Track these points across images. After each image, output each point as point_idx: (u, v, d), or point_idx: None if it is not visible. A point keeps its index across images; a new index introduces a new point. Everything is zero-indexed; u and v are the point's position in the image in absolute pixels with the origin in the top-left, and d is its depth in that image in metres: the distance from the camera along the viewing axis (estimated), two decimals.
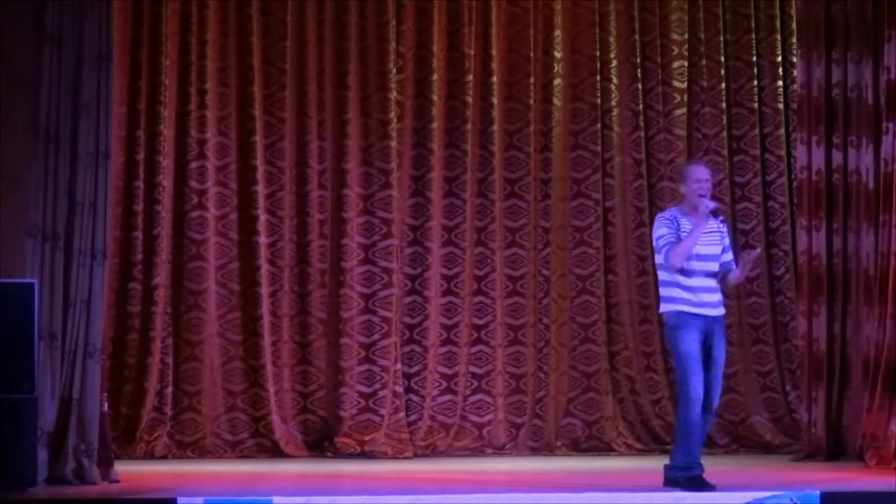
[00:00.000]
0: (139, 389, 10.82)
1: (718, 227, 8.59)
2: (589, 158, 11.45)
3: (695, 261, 8.46)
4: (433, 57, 11.27)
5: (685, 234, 8.44)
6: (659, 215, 8.73)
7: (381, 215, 11.20)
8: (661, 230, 8.52)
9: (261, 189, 11.08)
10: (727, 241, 8.67)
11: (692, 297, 8.46)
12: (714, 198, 8.61)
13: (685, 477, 8.40)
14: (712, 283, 8.54)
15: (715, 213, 8.53)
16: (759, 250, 8.88)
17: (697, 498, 8.15)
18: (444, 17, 11.33)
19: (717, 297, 8.56)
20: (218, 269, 11.05)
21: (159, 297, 10.87)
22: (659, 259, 8.56)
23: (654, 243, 8.58)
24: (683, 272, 8.46)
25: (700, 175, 8.55)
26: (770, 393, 11.36)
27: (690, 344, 8.42)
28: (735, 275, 8.64)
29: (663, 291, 8.58)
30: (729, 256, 8.66)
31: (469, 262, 11.33)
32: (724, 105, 11.52)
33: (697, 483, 8.36)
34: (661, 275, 8.58)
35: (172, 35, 10.96)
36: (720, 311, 8.58)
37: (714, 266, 8.54)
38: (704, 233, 8.48)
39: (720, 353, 8.56)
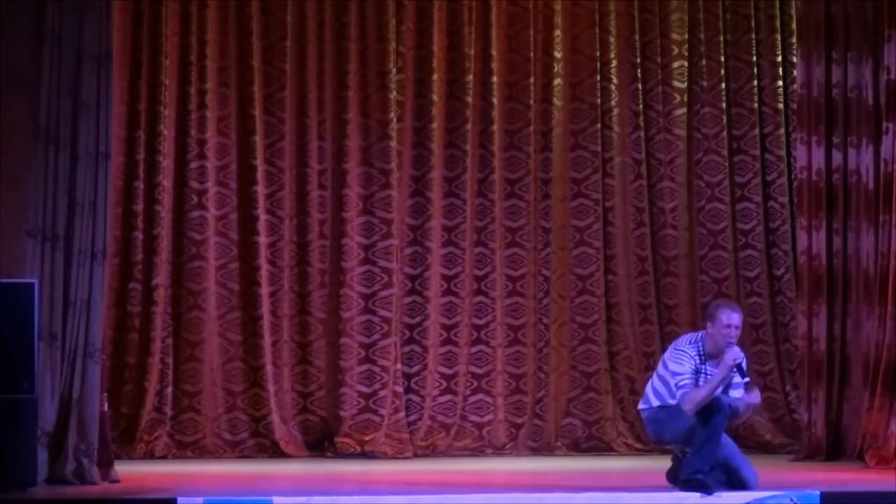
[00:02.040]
0: (139, 389, 10.82)
1: (731, 375, 8.40)
2: (589, 158, 11.45)
3: None
4: (433, 57, 11.27)
5: (703, 379, 8.28)
6: (679, 347, 8.46)
7: (381, 215, 11.20)
8: (683, 366, 8.32)
9: (261, 189, 11.08)
10: (736, 379, 8.45)
11: None
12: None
13: (687, 478, 8.34)
14: None
15: (740, 370, 8.34)
16: (758, 400, 8.61)
17: (698, 498, 8.14)
18: (444, 17, 11.32)
19: None
20: (218, 269, 11.05)
21: (159, 297, 10.87)
22: (668, 398, 8.37)
23: (670, 377, 8.35)
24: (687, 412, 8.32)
25: (731, 321, 8.32)
26: (770, 393, 11.34)
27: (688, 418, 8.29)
28: (742, 416, 8.56)
29: (654, 397, 8.44)
30: (737, 394, 8.45)
31: (469, 262, 11.33)
32: (724, 105, 11.51)
33: (697, 485, 8.30)
34: (660, 388, 8.43)
35: (172, 35, 10.96)
36: None
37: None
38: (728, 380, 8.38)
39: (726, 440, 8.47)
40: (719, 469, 8.39)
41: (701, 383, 8.27)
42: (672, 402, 8.34)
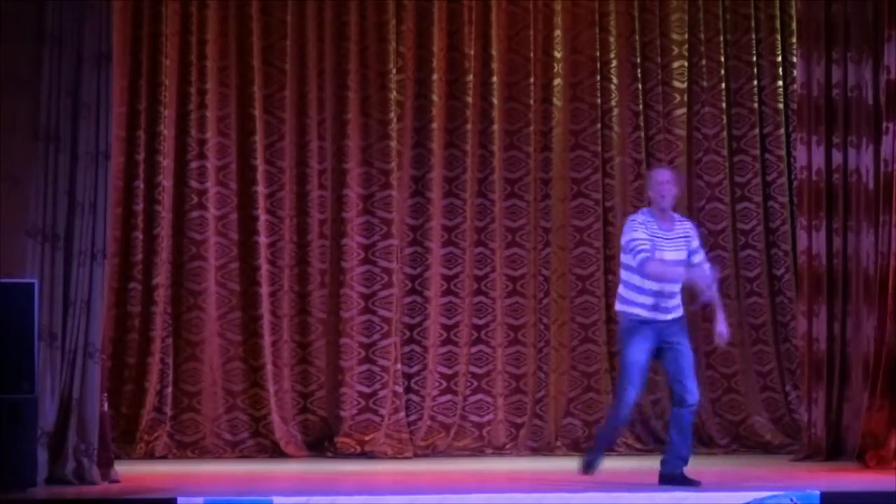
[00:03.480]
0: (139, 389, 10.82)
1: (685, 232, 8.73)
2: (589, 158, 11.45)
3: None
4: (433, 57, 11.27)
5: (658, 238, 8.59)
6: (630, 218, 8.86)
7: (381, 215, 11.20)
8: (636, 233, 8.64)
9: (261, 189, 11.08)
10: (695, 243, 8.78)
11: (650, 300, 8.62)
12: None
13: (587, 459, 8.82)
14: (674, 288, 8.66)
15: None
16: (727, 338, 8.92)
17: (698, 498, 8.15)
18: (444, 17, 11.33)
19: (675, 301, 8.70)
20: (218, 269, 11.05)
21: (159, 297, 10.87)
22: (627, 260, 8.68)
23: (627, 244, 8.68)
24: (647, 275, 8.60)
25: (661, 177, 8.79)
26: (770, 393, 11.36)
27: (639, 353, 8.62)
28: (702, 297, 8.73)
29: (623, 291, 8.74)
30: (699, 258, 8.77)
31: (469, 262, 11.33)
32: (724, 105, 11.52)
33: (587, 466, 8.80)
34: (624, 275, 8.74)
35: (172, 35, 10.96)
36: (677, 314, 8.72)
37: (677, 269, 8.65)
38: (669, 239, 8.65)
39: (682, 344, 8.68)
40: (671, 381, 8.72)
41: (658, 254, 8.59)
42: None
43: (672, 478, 8.61)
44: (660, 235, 8.64)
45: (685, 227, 8.81)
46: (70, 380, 8.85)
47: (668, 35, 11.54)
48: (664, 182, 8.72)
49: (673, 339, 8.65)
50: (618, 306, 8.81)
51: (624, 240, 8.73)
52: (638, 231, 8.63)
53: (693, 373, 8.71)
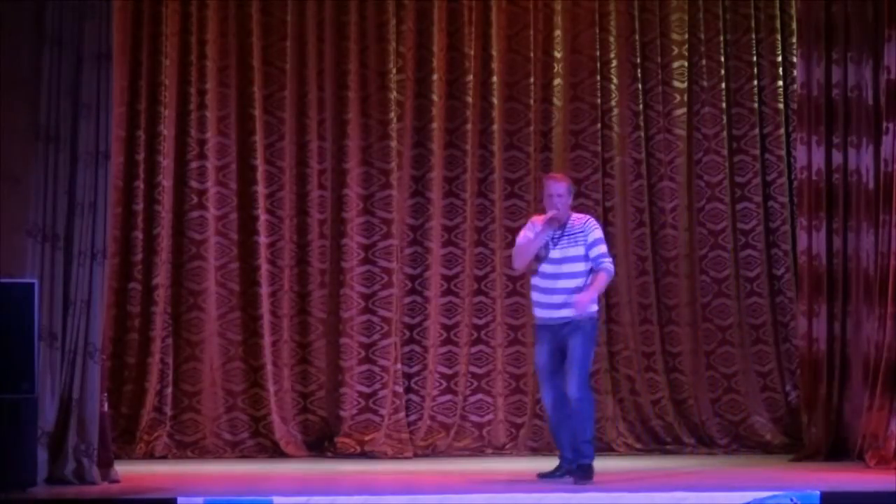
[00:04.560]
0: (139, 389, 10.82)
1: (581, 229, 8.96)
2: (589, 158, 11.45)
3: (546, 263, 8.93)
4: (433, 57, 11.27)
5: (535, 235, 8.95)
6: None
7: (381, 215, 11.20)
8: (521, 231, 9.12)
9: (261, 189, 11.08)
10: (592, 237, 8.96)
11: (539, 296, 8.97)
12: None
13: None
14: (562, 284, 8.89)
15: (552, 221, 8.92)
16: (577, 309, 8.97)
17: (699, 498, 8.15)
18: (444, 17, 11.33)
19: (563, 297, 8.88)
20: (218, 269, 11.05)
21: (159, 297, 10.87)
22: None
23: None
24: (534, 272, 9.00)
25: (549, 190, 9.04)
26: (770, 393, 11.36)
27: (539, 356, 9.00)
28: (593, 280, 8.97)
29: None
30: (596, 252, 8.95)
31: (469, 262, 11.33)
32: (724, 105, 11.52)
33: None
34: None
35: (172, 35, 10.96)
36: (565, 315, 8.87)
37: (567, 268, 8.91)
38: (558, 237, 8.92)
39: (573, 347, 8.83)
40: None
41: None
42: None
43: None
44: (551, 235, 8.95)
45: (582, 223, 9.00)
46: (70, 380, 8.85)
47: (668, 35, 11.54)
48: (554, 195, 8.96)
49: (566, 342, 8.85)
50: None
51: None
52: (523, 229, 9.08)
53: (573, 375, 8.83)
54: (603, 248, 8.98)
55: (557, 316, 8.90)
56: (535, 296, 9.03)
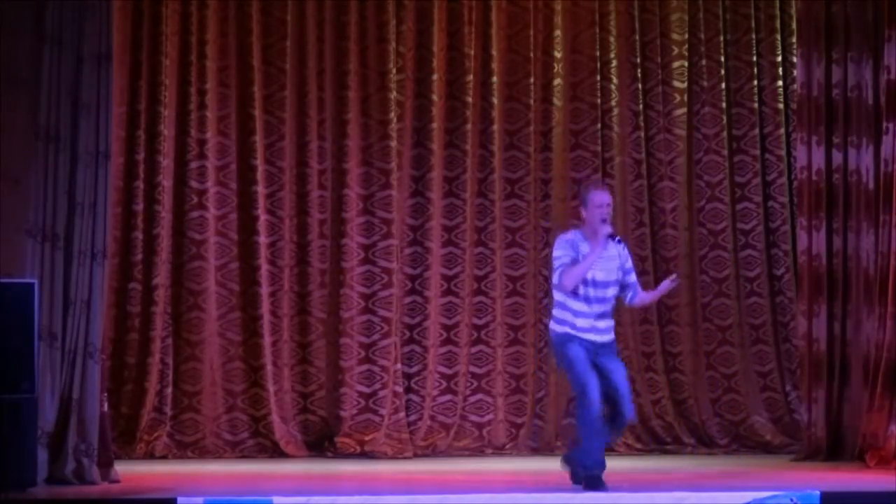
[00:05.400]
0: (139, 389, 10.82)
1: (618, 253, 8.57)
2: (589, 158, 11.45)
3: (590, 287, 8.46)
4: (433, 57, 11.27)
5: (583, 257, 8.43)
6: (560, 236, 8.68)
7: (381, 215, 11.20)
8: (558, 251, 8.49)
9: (261, 189, 11.08)
10: (629, 263, 8.65)
11: (581, 321, 8.45)
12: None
13: (586, 476, 8.42)
14: (603, 308, 8.51)
15: (612, 237, 8.51)
16: (678, 281, 8.76)
17: (699, 498, 8.14)
18: (444, 17, 11.33)
19: (607, 323, 8.54)
20: (218, 269, 11.05)
21: (159, 297, 10.87)
22: (554, 279, 8.52)
23: (552, 263, 8.56)
24: (574, 294, 8.45)
25: (601, 200, 8.50)
26: (770, 393, 11.36)
27: (577, 352, 8.42)
28: (643, 296, 8.64)
29: (555, 312, 8.55)
30: (632, 278, 8.64)
31: (469, 262, 11.33)
32: (724, 105, 11.52)
33: (596, 483, 8.37)
34: (556, 295, 8.55)
35: (172, 35, 10.96)
36: (608, 337, 8.55)
37: (609, 292, 8.51)
38: (601, 258, 8.46)
39: (615, 364, 8.51)
40: (606, 400, 8.44)
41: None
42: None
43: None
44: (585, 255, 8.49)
45: (618, 247, 8.55)
46: (70, 380, 8.85)
47: (668, 35, 11.54)
48: (604, 205, 8.48)
49: (601, 360, 8.45)
50: (551, 325, 8.61)
51: (552, 259, 8.58)
52: (560, 250, 8.49)
53: (628, 395, 8.51)
54: (634, 277, 8.66)
55: (599, 339, 8.51)
56: (572, 318, 8.50)
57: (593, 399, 8.32)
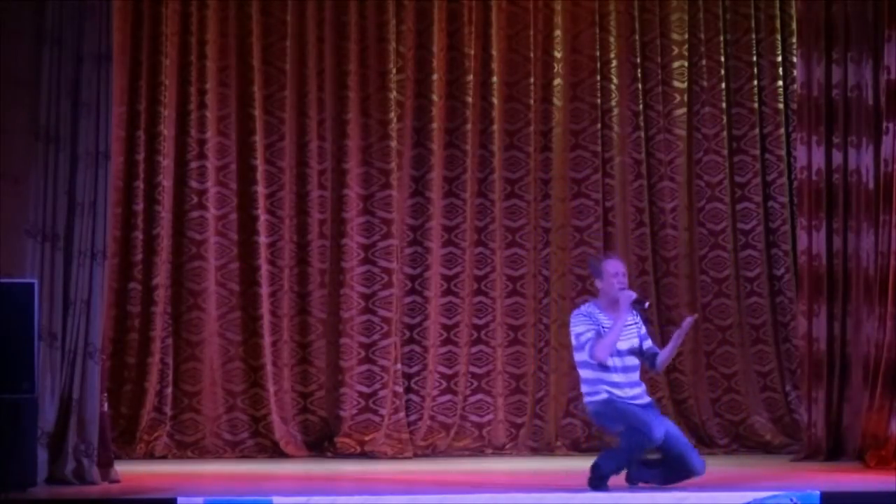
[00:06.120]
0: (139, 389, 10.82)
1: (634, 320, 8.57)
2: (589, 158, 11.45)
3: (617, 357, 8.44)
4: (433, 57, 11.27)
5: (606, 329, 8.39)
6: (575, 312, 8.61)
7: (381, 215, 11.20)
8: (579, 328, 8.44)
9: (261, 189, 11.08)
10: (644, 329, 8.65)
11: (618, 391, 8.44)
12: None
13: (595, 475, 8.40)
14: (634, 376, 8.51)
15: (639, 302, 8.50)
16: (694, 318, 8.70)
17: (699, 498, 8.15)
18: (444, 17, 11.33)
19: (641, 387, 8.55)
20: (218, 269, 11.05)
21: (159, 297, 10.87)
22: (581, 357, 8.46)
23: (575, 341, 8.48)
24: (605, 369, 8.41)
25: (616, 269, 8.50)
26: (770, 393, 11.36)
27: (628, 406, 8.39)
28: (663, 355, 8.58)
29: (587, 387, 8.50)
30: (649, 343, 8.64)
31: (469, 262, 11.33)
32: (724, 105, 11.51)
33: (599, 484, 8.36)
34: (584, 373, 8.49)
35: (172, 35, 10.96)
36: (647, 399, 8.58)
37: (632, 360, 8.51)
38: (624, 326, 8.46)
39: (666, 421, 8.51)
40: (666, 459, 8.40)
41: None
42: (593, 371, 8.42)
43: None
44: (607, 326, 8.43)
45: (632, 316, 8.54)
46: (70, 380, 8.85)
47: (668, 35, 11.54)
48: (620, 273, 8.48)
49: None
50: (588, 399, 8.52)
51: (572, 338, 8.50)
52: (581, 325, 8.43)
53: (689, 445, 8.53)
54: (650, 342, 8.65)
55: (641, 402, 8.49)
56: (609, 388, 8.41)
57: (655, 438, 8.24)
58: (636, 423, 8.31)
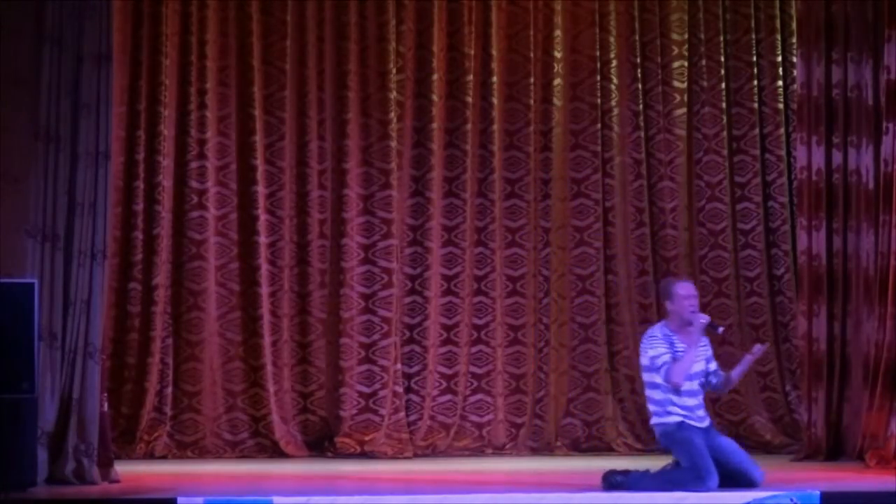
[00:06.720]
0: (139, 389, 10.82)
1: (703, 343, 8.60)
2: (589, 158, 11.45)
3: (687, 380, 8.45)
4: (433, 57, 11.27)
5: (680, 352, 8.41)
6: (648, 334, 8.60)
7: (381, 215, 11.20)
8: (656, 350, 8.44)
9: (261, 189, 11.08)
10: (710, 351, 8.69)
11: (689, 413, 8.48)
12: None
13: (612, 479, 8.45)
14: (702, 398, 8.57)
15: (713, 326, 8.53)
16: (766, 345, 8.78)
17: (699, 498, 8.15)
18: (444, 17, 11.33)
19: (704, 411, 8.60)
20: (218, 269, 11.05)
21: (159, 297, 10.87)
22: (652, 378, 8.47)
23: (649, 363, 8.47)
24: (676, 391, 8.43)
25: (688, 291, 8.52)
26: (770, 393, 11.36)
27: (699, 442, 8.40)
28: (734, 376, 8.60)
29: (656, 408, 8.52)
30: (714, 366, 8.67)
31: (469, 262, 11.33)
32: (724, 105, 11.52)
33: (613, 487, 8.40)
34: (654, 394, 8.51)
35: (172, 35, 10.96)
36: (709, 421, 8.63)
37: (696, 384, 8.53)
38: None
39: (727, 441, 8.62)
40: (726, 472, 8.40)
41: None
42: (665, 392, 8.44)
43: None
44: (680, 349, 8.44)
45: (704, 339, 8.60)
46: (70, 380, 8.85)
47: (668, 35, 11.54)
48: (692, 296, 8.50)
49: (711, 442, 8.48)
50: (657, 419, 8.53)
51: (645, 359, 8.49)
52: (658, 347, 8.43)
53: (747, 457, 8.59)
54: (715, 364, 8.69)
55: (706, 425, 8.54)
56: (680, 410, 8.45)
57: (710, 488, 8.26)
58: (700, 464, 8.32)
